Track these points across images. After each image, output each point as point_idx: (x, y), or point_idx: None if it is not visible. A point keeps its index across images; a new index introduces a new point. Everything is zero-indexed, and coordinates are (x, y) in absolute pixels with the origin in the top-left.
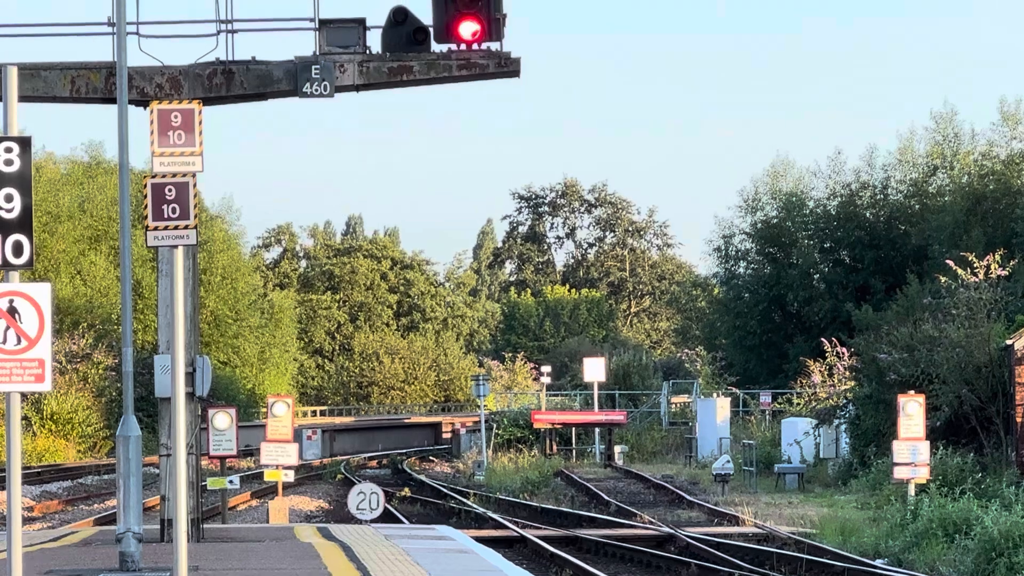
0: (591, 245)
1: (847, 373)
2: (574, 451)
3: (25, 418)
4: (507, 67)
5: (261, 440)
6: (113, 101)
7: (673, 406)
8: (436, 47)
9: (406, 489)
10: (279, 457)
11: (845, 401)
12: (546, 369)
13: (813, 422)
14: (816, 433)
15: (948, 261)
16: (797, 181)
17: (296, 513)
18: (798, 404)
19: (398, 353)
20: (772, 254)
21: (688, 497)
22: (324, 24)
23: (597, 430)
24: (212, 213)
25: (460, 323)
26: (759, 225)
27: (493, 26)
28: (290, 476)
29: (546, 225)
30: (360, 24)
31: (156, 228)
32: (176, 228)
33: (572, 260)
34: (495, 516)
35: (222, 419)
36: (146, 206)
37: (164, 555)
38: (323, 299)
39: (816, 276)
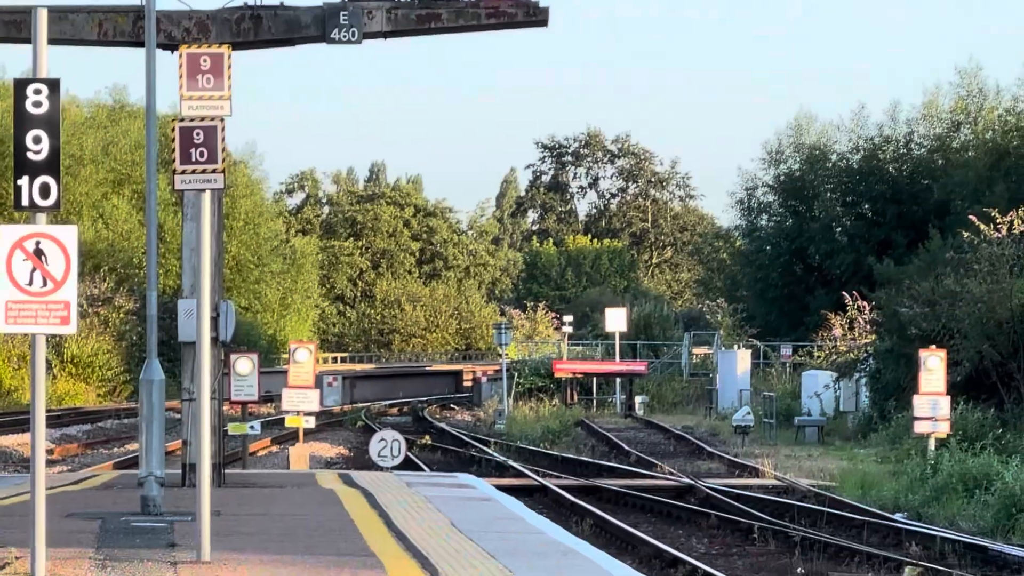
0: (613, 195)
1: (868, 327)
2: (595, 401)
3: (46, 361)
4: (535, 16)
5: (282, 386)
6: (141, 44)
7: (694, 357)
8: None
9: (427, 437)
10: (300, 403)
11: (866, 355)
12: (567, 319)
13: (833, 375)
14: (836, 386)
15: (971, 216)
16: (820, 135)
17: (317, 459)
18: (819, 357)
19: (420, 301)
20: (794, 207)
21: (708, 448)
22: None
23: (618, 380)
24: (236, 158)
25: (482, 271)
26: (782, 178)
27: None
28: (311, 422)
29: (569, 175)
30: None
31: (184, 172)
32: (204, 172)
33: (594, 210)
34: (516, 465)
35: (244, 364)
36: (172, 150)
37: (185, 500)
38: (345, 245)
39: (838, 229)
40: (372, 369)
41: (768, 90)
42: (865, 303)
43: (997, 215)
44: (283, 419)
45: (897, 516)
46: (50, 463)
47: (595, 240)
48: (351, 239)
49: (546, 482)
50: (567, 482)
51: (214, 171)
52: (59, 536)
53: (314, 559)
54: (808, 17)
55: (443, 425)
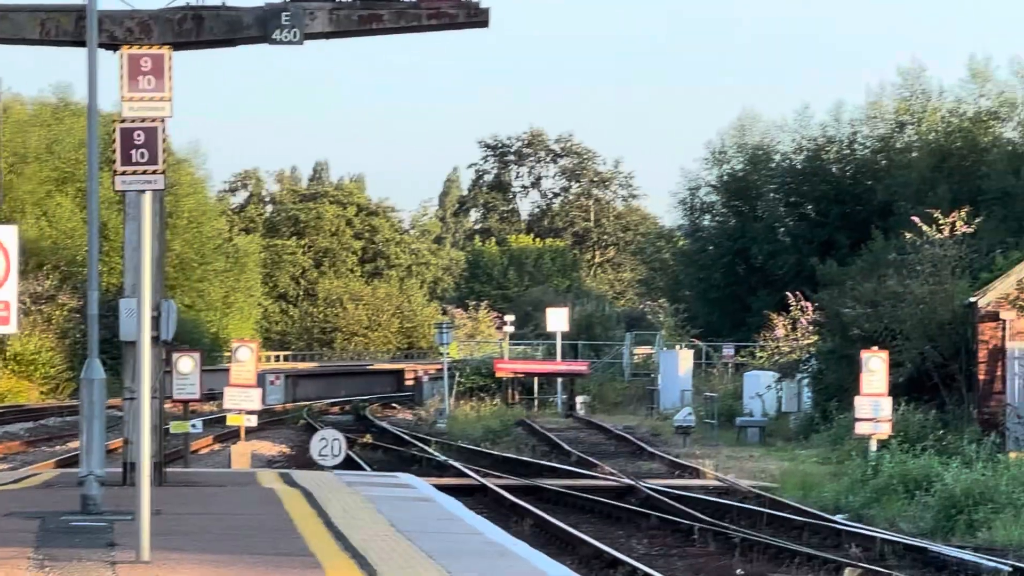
0: (556, 195)
1: (810, 327)
2: (536, 401)
3: None
4: (476, 17)
5: (224, 384)
6: (82, 44)
7: (636, 357)
8: None
9: (368, 436)
10: (242, 402)
11: (808, 355)
12: (509, 318)
13: (776, 376)
14: (778, 387)
15: (914, 217)
16: (764, 135)
17: (258, 458)
18: (761, 357)
19: (362, 299)
20: (737, 207)
21: (649, 449)
22: None
23: (559, 380)
24: (179, 156)
25: (424, 270)
26: (725, 178)
27: None
28: (253, 421)
29: (512, 174)
30: None
31: (124, 172)
32: (144, 173)
33: (537, 209)
34: (456, 464)
35: (186, 363)
36: (114, 150)
37: (126, 498)
38: (288, 244)
39: (781, 230)
40: (314, 368)
41: (712, 90)
42: (808, 304)
43: (940, 216)
44: (225, 417)
45: (837, 517)
46: None
47: (537, 239)
48: (294, 238)
49: (486, 482)
50: (507, 482)
51: (155, 172)
52: None
53: (253, 559)
54: (752, 16)
55: (384, 424)
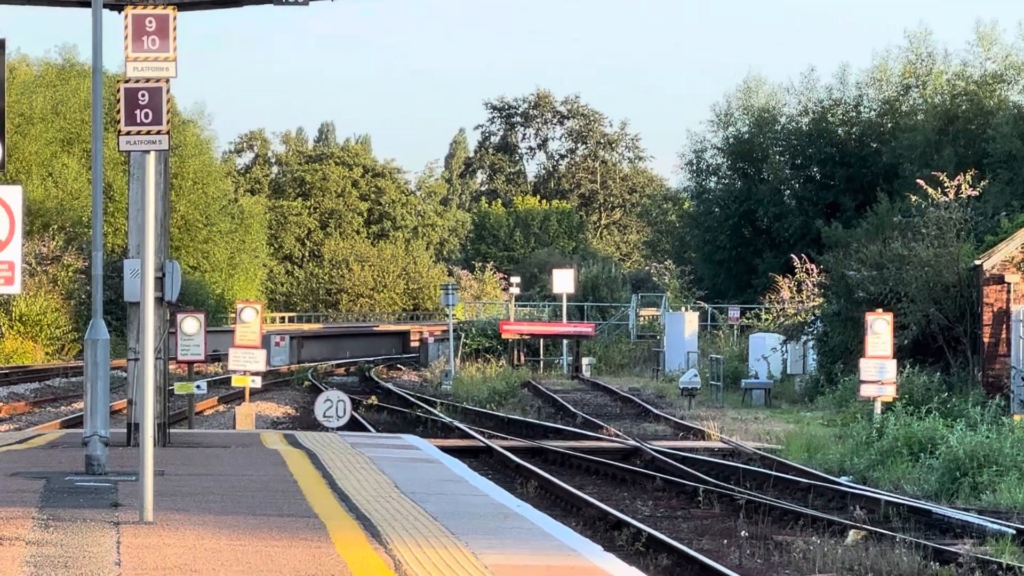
0: (563, 156)
1: (816, 290)
2: (542, 362)
3: None
4: None
5: (229, 345)
6: (88, 5)
7: (641, 319)
8: None
9: (373, 397)
10: (247, 363)
11: (813, 318)
12: (515, 280)
13: (781, 338)
14: (784, 349)
15: (919, 180)
16: (769, 97)
17: (263, 419)
18: (766, 320)
19: (368, 260)
20: (743, 169)
21: (654, 410)
22: None
23: (565, 342)
24: (185, 118)
25: (430, 232)
26: (731, 140)
27: None
28: (257, 382)
29: (518, 136)
30: None
31: (128, 133)
32: (148, 133)
33: (543, 171)
34: (461, 426)
35: (191, 324)
36: (119, 110)
37: (130, 459)
38: (294, 205)
39: (787, 192)
40: (319, 329)
41: (718, 52)
42: (813, 266)
43: (945, 179)
44: (230, 378)
45: (842, 479)
46: None
47: (544, 201)
48: (299, 199)
49: (492, 443)
50: (513, 444)
51: (159, 132)
52: (3, 495)
53: (257, 519)
54: None
55: (389, 386)
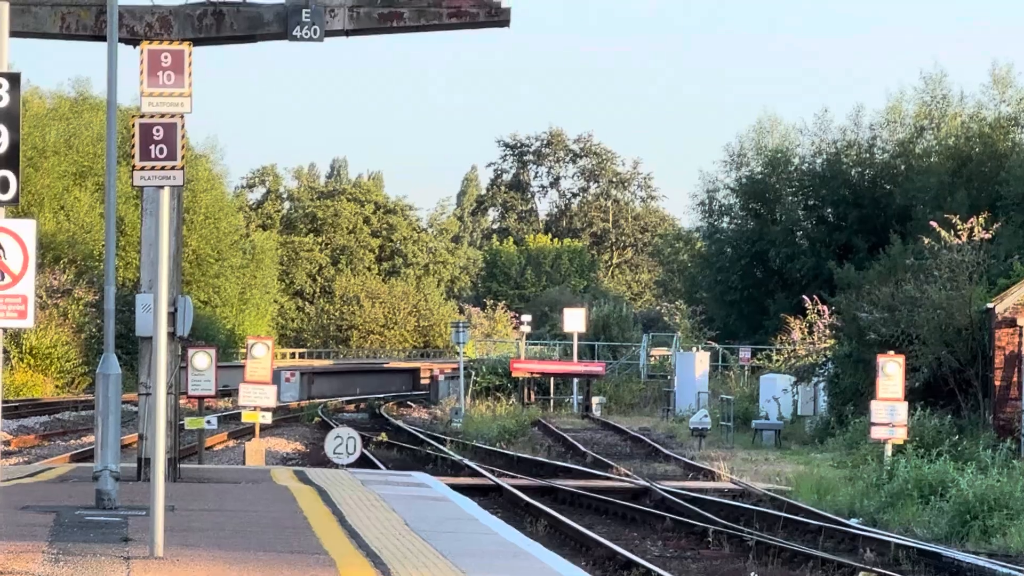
0: (575, 195)
1: (827, 331)
2: (552, 401)
3: (4, 351)
4: (496, 16)
5: (240, 381)
6: (103, 39)
7: (652, 359)
8: None
9: (383, 434)
10: (257, 398)
11: (824, 359)
12: (526, 318)
13: (792, 379)
14: (794, 390)
15: (932, 222)
16: (783, 138)
17: (273, 455)
18: (777, 361)
19: (378, 297)
20: (756, 210)
21: (664, 450)
22: None
23: (576, 380)
24: (197, 152)
25: (441, 269)
26: (743, 180)
27: None
28: (268, 418)
29: (530, 174)
30: None
31: (143, 168)
32: (163, 168)
33: (555, 209)
34: (471, 464)
35: (201, 359)
36: (133, 145)
37: (140, 494)
38: (305, 241)
39: (799, 233)
40: (330, 365)
41: (731, 92)
42: (825, 307)
43: (958, 221)
44: (240, 414)
45: (852, 521)
46: (6, 455)
47: (555, 239)
48: (311, 235)
49: (501, 482)
50: (522, 482)
51: (173, 168)
52: (13, 529)
53: (267, 556)
54: (773, 19)
55: (400, 423)
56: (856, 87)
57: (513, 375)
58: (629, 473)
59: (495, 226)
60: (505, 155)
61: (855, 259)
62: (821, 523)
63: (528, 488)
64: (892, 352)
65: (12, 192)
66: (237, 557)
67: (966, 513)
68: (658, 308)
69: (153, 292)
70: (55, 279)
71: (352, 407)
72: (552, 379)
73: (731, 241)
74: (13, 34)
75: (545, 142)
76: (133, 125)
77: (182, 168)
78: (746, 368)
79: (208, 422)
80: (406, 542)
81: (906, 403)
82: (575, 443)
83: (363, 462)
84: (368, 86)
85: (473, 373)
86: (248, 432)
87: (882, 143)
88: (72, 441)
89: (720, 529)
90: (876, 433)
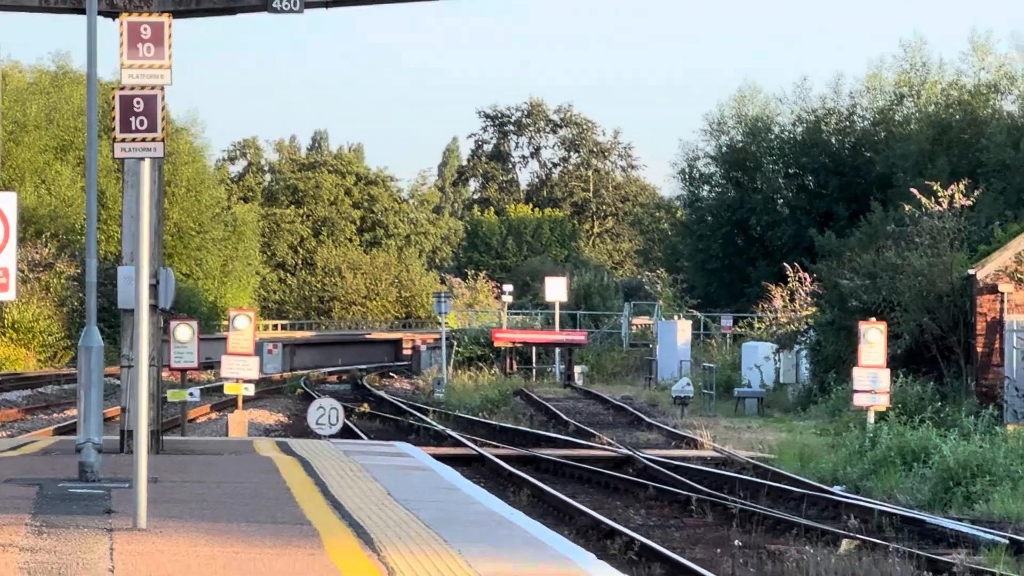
0: (555, 165)
1: (809, 299)
2: (534, 370)
3: None
4: None
5: (222, 353)
6: (82, 12)
7: (634, 327)
8: None
9: (365, 405)
10: (240, 370)
11: (806, 327)
12: (508, 288)
13: (774, 347)
14: (776, 358)
15: (912, 189)
16: (763, 106)
17: (255, 427)
18: (759, 328)
19: (360, 268)
20: (736, 178)
21: (647, 419)
22: None
23: (557, 350)
24: (178, 125)
25: (423, 240)
26: (724, 149)
27: None
28: (250, 389)
29: (511, 144)
30: None
31: (123, 140)
32: (143, 140)
33: (536, 179)
34: (454, 434)
35: (184, 331)
36: (113, 117)
37: (123, 466)
38: (287, 213)
39: (780, 201)
40: (312, 337)
41: (712, 60)
42: (806, 275)
43: (938, 188)
44: (223, 386)
45: (835, 489)
46: None
47: (536, 209)
48: (292, 207)
49: (484, 452)
50: (505, 452)
51: (154, 140)
52: None
53: (250, 527)
54: None
55: (382, 393)
56: (836, 55)
57: (495, 345)
58: (612, 442)
59: (476, 196)
60: (485, 126)
61: (836, 227)
62: (804, 490)
63: (511, 458)
64: (874, 319)
65: None
66: (220, 528)
67: (949, 480)
68: (639, 277)
69: (135, 264)
70: (37, 253)
71: (335, 378)
72: (534, 348)
73: (712, 210)
74: None
75: (525, 113)
76: (114, 98)
77: (163, 140)
78: (728, 336)
79: (191, 394)
80: (389, 512)
81: (888, 370)
82: (557, 412)
83: (346, 433)
84: (348, 58)
85: (455, 343)
86: (231, 404)
87: (862, 111)
88: (55, 415)
89: (703, 497)
90: (858, 400)
